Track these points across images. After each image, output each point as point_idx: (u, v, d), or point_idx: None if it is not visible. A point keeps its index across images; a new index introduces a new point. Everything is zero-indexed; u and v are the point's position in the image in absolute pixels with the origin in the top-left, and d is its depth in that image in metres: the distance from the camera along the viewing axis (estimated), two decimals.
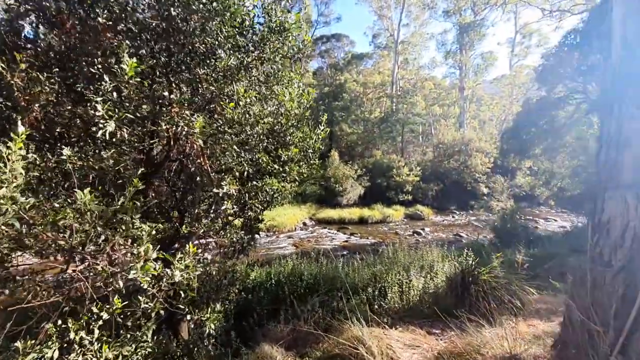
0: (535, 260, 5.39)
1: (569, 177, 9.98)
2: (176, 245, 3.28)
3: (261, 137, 2.80)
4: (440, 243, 13.11)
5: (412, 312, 3.52)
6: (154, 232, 2.03)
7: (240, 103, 2.43)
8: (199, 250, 3.75)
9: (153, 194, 3.18)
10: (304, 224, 17.33)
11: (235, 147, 2.72)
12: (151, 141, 2.59)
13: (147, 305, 1.90)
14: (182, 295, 1.93)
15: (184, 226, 3.15)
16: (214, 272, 3.20)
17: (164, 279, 1.96)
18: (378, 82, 42.28)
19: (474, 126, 38.41)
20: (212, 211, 3.38)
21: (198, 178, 3.11)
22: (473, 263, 3.58)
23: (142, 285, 1.83)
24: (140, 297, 1.94)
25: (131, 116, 2.16)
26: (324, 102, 30.89)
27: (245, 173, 2.90)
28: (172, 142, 2.63)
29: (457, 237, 14.73)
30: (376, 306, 3.60)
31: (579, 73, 12.12)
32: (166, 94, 2.20)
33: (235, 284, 3.71)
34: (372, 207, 19.90)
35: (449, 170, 25.25)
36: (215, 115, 2.51)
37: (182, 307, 1.99)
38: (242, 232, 3.57)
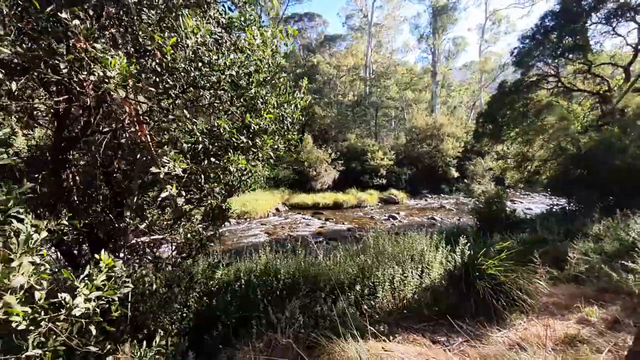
0: (527, 245, 5.12)
1: (547, 160, 9.98)
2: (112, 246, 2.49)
3: (220, 95, 2.05)
4: (417, 227, 13.03)
5: (409, 314, 3.02)
6: (44, 233, 1.27)
7: (189, 42, 1.67)
8: (153, 250, 2.98)
9: (74, 177, 2.34)
10: (277, 209, 16.62)
11: (184, 111, 1.95)
12: (56, 99, 1.76)
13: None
14: (94, 331, 1.22)
15: (120, 222, 2.36)
16: (156, 283, 2.45)
17: (64, 310, 1.22)
18: (351, 64, 41.51)
19: (444, 112, 38.94)
20: (159, 199, 2.61)
21: (139, 155, 2.32)
22: (478, 254, 3.12)
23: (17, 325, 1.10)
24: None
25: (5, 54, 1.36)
26: (296, 84, 29.73)
27: (201, 147, 2.16)
28: (91, 102, 1.81)
29: (431, 220, 14.72)
30: (366, 306, 3.06)
31: (554, 56, 12.11)
32: (66, 16, 1.39)
33: (195, 288, 2.99)
34: (347, 192, 19.54)
35: (422, 155, 25.39)
36: (152, 62, 1.73)
37: (95, 348, 1.29)
38: (201, 225, 2.83)
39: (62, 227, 1.76)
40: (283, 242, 11.30)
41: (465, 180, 12.31)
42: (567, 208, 7.53)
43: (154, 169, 1.70)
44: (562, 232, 5.63)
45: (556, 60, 12.36)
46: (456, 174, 24.97)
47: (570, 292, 3.37)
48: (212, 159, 2.18)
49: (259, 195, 17.40)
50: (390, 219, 14.87)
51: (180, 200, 2.07)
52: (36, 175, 2.08)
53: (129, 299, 1.99)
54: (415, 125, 27.82)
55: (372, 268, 3.65)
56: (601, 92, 11.77)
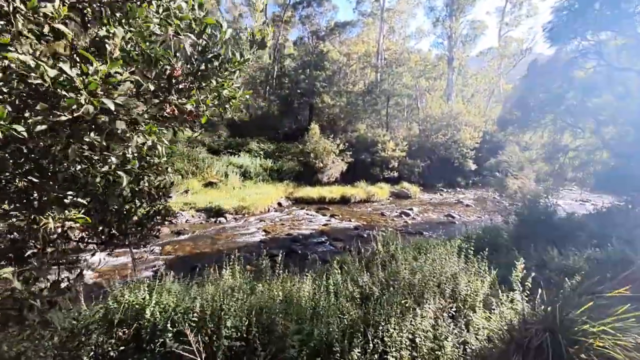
0: (598, 266, 3.73)
1: (592, 151, 8.39)
2: None
3: None
4: (434, 227, 11.57)
5: None
6: None
7: None
8: None
9: None
10: (279, 204, 15.40)
11: None
12: None
13: None
14: None
15: None
16: None
17: None
18: (362, 52, 39.74)
19: (460, 101, 36.82)
20: None
21: None
22: (571, 307, 1.78)
23: None
24: None
25: None
26: (304, 72, 28.21)
27: None
28: None
29: (449, 218, 13.26)
30: None
31: (596, 29, 10.33)
32: None
33: None
34: (356, 185, 18.18)
35: (436, 146, 23.69)
36: None
37: None
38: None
39: None
40: (281, 241, 10.09)
41: (497, 174, 10.74)
42: (630, 209, 6.00)
43: None
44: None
45: (598, 35, 10.58)
46: (474, 167, 23.23)
47: None
48: None
49: (260, 188, 16.26)
50: (403, 215, 13.46)
51: None
52: None
53: None
54: (429, 114, 26.07)
55: (378, 313, 2.32)
56: None
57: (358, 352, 1.96)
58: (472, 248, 3.46)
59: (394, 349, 2.02)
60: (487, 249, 4.43)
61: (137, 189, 2.08)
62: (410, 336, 2.12)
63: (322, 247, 9.41)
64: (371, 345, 2.05)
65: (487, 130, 26.23)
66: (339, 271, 3.87)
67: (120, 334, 2.39)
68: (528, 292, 2.41)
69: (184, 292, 3.02)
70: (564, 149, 11.76)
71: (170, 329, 2.14)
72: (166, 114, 1.93)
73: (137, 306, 2.75)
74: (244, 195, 14.40)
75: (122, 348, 2.17)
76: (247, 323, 2.08)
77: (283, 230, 11.10)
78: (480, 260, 3.31)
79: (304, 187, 17.76)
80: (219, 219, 12.13)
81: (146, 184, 2.10)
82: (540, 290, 2.25)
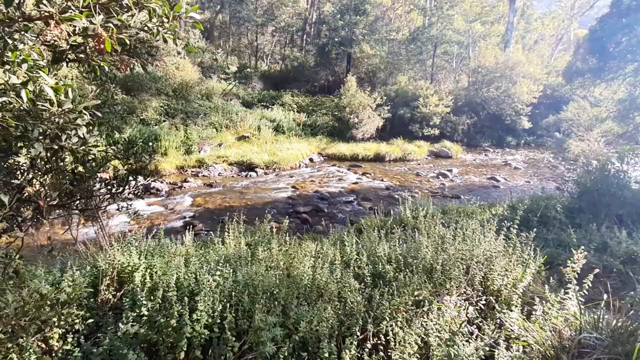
0: None
1: None
2: None
3: None
4: (473, 191, 10.59)
5: None
6: None
7: None
8: None
9: None
10: (311, 160, 15.09)
11: None
12: None
13: None
14: None
15: None
16: None
17: None
18: None
19: (519, 48, 32.35)
20: None
21: None
22: None
23: None
24: None
25: None
26: (342, 17, 25.92)
27: None
28: None
29: (492, 181, 12.15)
30: None
31: None
32: None
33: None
34: (391, 143, 17.20)
35: (487, 100, 21.29)
36: None
37: None
38: None
39: None
40: (309, 199, 9.91)
41: (558, 134, 9.35)
42: None
43: None
44: None
45: None
46: (528, 125, 20.81)
47: None
48: None
49: (293, 143, 15.95)
50: (440, 176, 12.57)
51: None
52: None
53: None
54: (482, 64, 23.15)
55: (389, 297, 1.91)
56: None
57: (351, 354, 1.60)
58: (517, 224, 2.84)
59: (398, 352, 1.64)
60: (535, 224, 3.76)
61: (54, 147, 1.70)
62: (421, 336, 1.73)
63: (349, 206, 9.09)
64: (369, 344, 1.69)
65: (549, 83, 22.98)
66: (356, 239, 3.49)
67: (103, 298, 2.26)
68: (586, 293, 1.85)
69: (176, 257, 2.83)
70: None
71: (145, 303, 1.92)
72: (51, 38, 1.46)
73: (128, 269, 2.60)
74: (275, 149, 14.22)
75: (89, 323, 2.01)
76: (221, 307, 1.79)
77: (312, 187, 10.87)
78: (525, 240, 2.72)
79: (338, 143, 17.17)
80: (250, 173, 12.16)
81: (71, 143, 1.73)
82: (605, 296, 1.69)
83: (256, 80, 23.45)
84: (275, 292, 2.10)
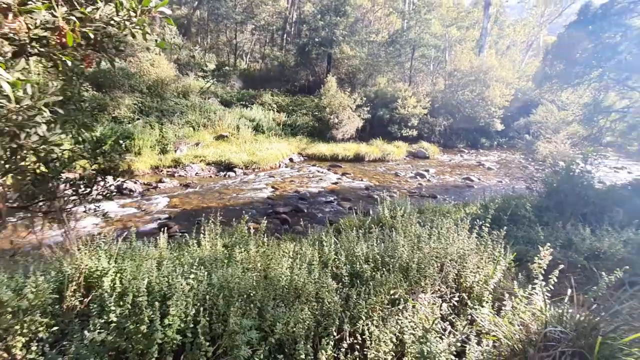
0: (637, 251, 3.18)
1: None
2: None
3: None
4: (448, 191, 10.92)
5: None
6: None
7: None
8: None
9: None
10: (291, 160, 15.03)
11: None
12: None
13: None
14: None
15: None
16: None
17: None
18: None
19: (492, 53, 33.59)
20: None
21: None
22: (612, 320, 1.32)
23: None
24: None
25: None
26: (323, 18, 25.96)
27: None
28: None
29: (467, 181, 12.55)
30: None
31: None
32: None
33: None
34: (371, 143, 17.42)
35: (462, 103, 21.98)
36: None
37: None
38: None
39: None
40: (288, 198, 9.85)
41: (527, 136, 9.77)
42: None
43: None
44: None
45: None
46: (500, 127, 21.67)
47: None
48: None
49: (272, 143, 15.82)
50: (418, 177, 12.84)
51: None
52: None
53: None
54: (457, 67, 23.89)
55: (365, 296, 1.92)
56: None
57: (328, 354, 1.60)
58: (489, 222, 2.94)
59: (374, 350, 1.65)
60: (505, 222, 3.90)
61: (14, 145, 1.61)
62: (397, 335, 1.75)
63: (329, 206, 9.11)
64: (345, 344, 1.70)
65: (520, 87, 24.02)
66: (335, 239, 3.50)
67: (69, 305, 2.15)
68: (551, 288, 1.94)
69: (147, 260, 2.73)
70: (607, 110, 10.49)
71: (114, 309, 1.84)
72: (9, 30, 1.38)
73: (96, 274, 2.49)
74: (255, 149, 14.06)
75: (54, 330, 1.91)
76: (194, 311, 1.74)
77: (292, 187, 10.82)
78: (496, 238, 2.82)
79: (318, 144, 17.18)
80: (228, 173, 11.95)
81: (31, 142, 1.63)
82: (569, 291, 1.78)
83: (235, 79, 23.08)
84: (251, 294, 2.06)
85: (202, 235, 3.32)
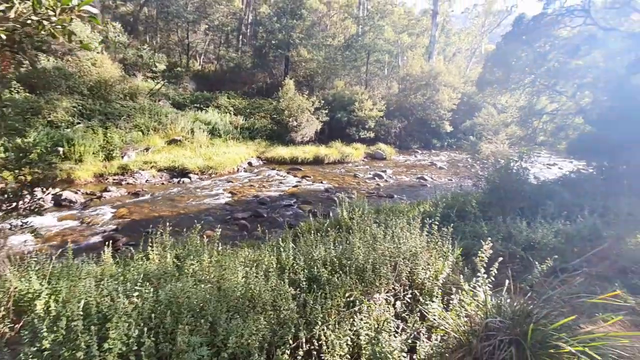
0: (566, 240, 3.54)
1: (567, 115, 8.18)
2: None
3: None
4: (404, 190, 11.41)
5: None
6: None
7: None
8: None
9: None
10: (250, 164, 14.72)
11: None
12: None
13: None
14: None
15: None
16: None
17: None
18: (344, 2, 37.19)
19: (440, 59, 35.79)
20: None
21: None
22: (543, 306, 1.44)
23: None
24: None
25: None
26: (279, 20, 25.84)
27: None
28: None
29: (421, 180, 13.17)
30: None
31: None
32: None
33: None
34: (330, 145, 17.64)
35: (415, 106, 23.13)
36: None
37: None
38: None
39: None
40: (247, 204, 9.63)
41: (471, 137, 10.47)
42: (601, 177, 5.90)
43: None
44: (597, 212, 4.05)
45: None
46: (449, 129, 23.14)
47: None
48: None
49: (230, 147, 15.38)
50: (376, 177, 13.24)
51: None
52: None
53: None
54: (409, 72, 25.09)
55: (322, 300, 1.92)
56: (637, 31, 9.61)
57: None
58: (438, 220, 3.09)
59: (329, 355, 1.65)
60: (454, 219, 4.13)
61: None
62: (352, 337, 1.77)
63: (289, 210, 9.05)
64: (301, 351, 1.68)
65: (466, 92, 25.83)
66: (294, 244, 3.46)
67: None
68: (493, 279, 2.09)
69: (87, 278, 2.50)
70: (539, 113, 11.60)
71: (47, 335, 1.64)
72: None
73: (28, 297, 2.22)
74: (211, 154, 13.56)
75: None
76: (138, 332, 1.61)
77: (251, 191, 10.59)
78: (445, 234, 2.97)
79: (277, 147, 17.03)
80: (182, 179, 11.39)
81: None
82: (507, 282, 1.92)
83: (188, 80, 22.14)
84: (204, 308, 1.96)
85: (150, 248, 3.11)
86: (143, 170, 11.47)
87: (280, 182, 12.05)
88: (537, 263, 2.12)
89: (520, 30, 11.00)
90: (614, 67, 7.15)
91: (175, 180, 11.35)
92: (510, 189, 4.92)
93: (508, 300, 1.81)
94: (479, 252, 2.24)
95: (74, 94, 13.65)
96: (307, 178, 12.79)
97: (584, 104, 8.03)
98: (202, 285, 2.33)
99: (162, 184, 11.10)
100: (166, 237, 3.33)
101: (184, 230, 4.19)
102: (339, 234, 3.68)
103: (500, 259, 2.22)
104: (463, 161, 14.72)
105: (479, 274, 2.02)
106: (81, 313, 1.82)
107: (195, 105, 18.69)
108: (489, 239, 2.43)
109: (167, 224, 3.72)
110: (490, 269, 2.11)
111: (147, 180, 11.10)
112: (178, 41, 26.80)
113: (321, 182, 12.24)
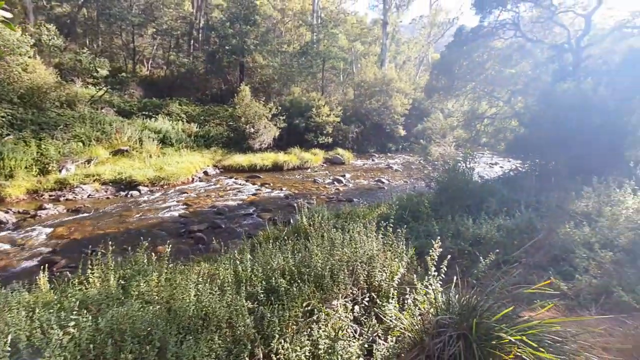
0: (507, 234, 3.84)
1: (504, 119, 8.95)
2: None
3: None
4: (363, 194, 11.71)
5: None
6: None
7: None
8: None
9: None
10: (206, 173, 14.17)
11: None
12: None
13: None
14: None
15: None
16: None
17: None
18: (298, 9, 37.65)
19: (392, 67, 37.52)
20: None
21: None
22: (487, 299, 1.54)
23: None
24: None
25: None
26: (232, 25, 25.37)
27: None
28: None
29: (378, 183, 13.59)
30: None
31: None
32: None
33: None
34: (289, 152, 17.57)
35: (370, 111, 23.94)
36: None
37: None
38: None
39: None
40: (204, 214, 9.23)
41: (422, 141, 11.02)
42: (534, 174, 6.53)
43: None
44: (531, 206, 4.48)
45: (517, 6, 11.04)
46: (403, 132, 24.26)
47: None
48: None
49: (183, 156, 14.71)
50: (335, 182, 13.41)
51: None
52: None
53: None
54: (364, 79, 25.96)
55: (280, 311, 1.87)
56: (559, 43, 10.87)
57: None
58: (393, 222, 3.19)
59: None
60: (408, 220, 4.29)
61: None
62: (311, 348, 1.75)
63: (249, 219, 8.83)
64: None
65: (416, 97, 27.28)
66: (253, 253, 3.37)
67: None
68: (444, 276, 2.19)
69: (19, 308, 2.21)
70: (481, 117, 12.57)
71: None
72: None
73: None
74: (162, 164, 12.84)
75: None
76: None
77: (207, 202, 10.18)
78: (399, 235, 3.07)
79: (234, 155, 16.60)
80: (130, 192, 10.63)
81: None
82: (455, 278, 2.03)
83: (135, 87, 20.86)
84: (152, 332, 1.82)
85: (89, 270, 2.84)
86: (85, 184, 10.53)
87: (239, 191, 11.73)
88: (481, 257, 2.26)
89: (461, 40, 11.89)
90: (541, 75, 8.00)
91: (123, 193, 10.56)
92: (457, 189, 5.27)
93: (457, 296, 1.90)
94: (430, 250, 2.34)
95: (2, 102, 12.20)
96: (267, 185, 12.60)
97: (518, 108, 8.88)
98: (150, 307, 2.17)
99: (108, 198, 10.27)
100: (109, 256, 3.06)
101: (133, 247, 3.90)
102: (298, 241, 3.64)
103: (449, 256, 2.34)
104: (416, 163, 15.45)
105: (429, 272, 2.10)
106: (9, 349, 1.61)
107: (143, 113, 17.62)
108: (439, 237, 2.55)
109: (111, 242, 3.43)
110: (441, 266, 2.21)
111: (89, 195, 10.21)
112: (122, 45, 25.19)
113: (281, 189, 12.12)
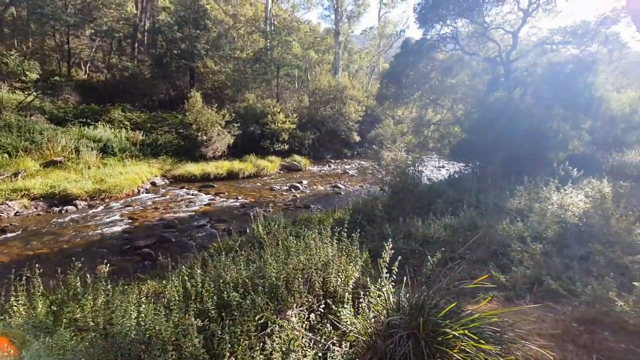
0: (452, 232, 4.08)
1: (448, 125, 9.62)
2: None
3: None
4: (320, 200, 11.81)
5: None
6: None
7: None
8: None
9: None
10: (153, 184, 13.30)
11: None
12: None
13: None
14: None
15: None
16: None
17: None
18: (250, 15, 37.34)
19: (345, 75, 38.68)
20: None
21: None
22: (434, 297, 1.59)
23: None
24: None
25: None
26: (181, 29, 24.32)
27: None
28: None
29: (335, 189, 13.79)
30: None
31: (454, 15, 11.63)
32: None
33: None
34: (245, 159, 17.17)
35: (325, 118, 24.35)
36: None
37: None
38: None
39: None
40: (151, 228, 8.62)
41: (374, 146, 11.38)
42: (475, 175, 7.07)
43: None
44: (472, 205, 4.86)
45: (455, 22, 12.00)
46: (358, 138, 25.01)
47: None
48: None
49: (128, 166, 13.68)
50: (292, 189, 13.35)
51: None
52: None
53: None
54: (318, 86, 26.38)
55: (232, 326, 1.78)
56: (492, 56, 11.99)
57: None
58: (347, 228, 3.23)
59: None
60: (363, 223, 4.38)
61: None
62: None
63: (202, 231, 8.43)
64: None
65: (369, 105, 28.35)
66: (204, 267, 3.20)
67: None
68: (395, 277, 2.25)
69: None
70: (428, 123, 13.37)
71: None
72: None
73: None
74: (103, 175, 11.81)
75: None
76: None
77: (155, 215, 9.54)
78: (354, 239, 3.12)
79: (186, 164, 15.82)
80: (65, 207, 9.61)
81: None
82: (405, 278, 2.10)
83: (70, 92, 19.07)
84: None
85: (12, 299, 2.48)
86: (10, 200, 9.32)
87: (191, 202, 11.17)
88: (430, 256, 2.37)
89: (407, 52, 12.59)
90: (477, 85, 8.74)
91: (56, 209, 9.51)
92: (408, 191, 5.53)
93: (407, 296, 1.97)
94: (383, 252, 2.40)
95: None
96: (221, 194, 12.16)
97: (459, 115, 9.60)
98: (86, 335, 1.95)
99: (39, 215, 9.18)
100: (36, 281, 2.70)
101: (67, 269, 3.49)
102: (253, 250, 3.54)
103: (400, 257, 2.41)
104: (371, 168, 15.98)
105: (381, 274, 2.15)
106: None
107: (80, 120, 16.11)
108: (392, 239, 2.63)
109: (42, 264, 3.04)
110: (393, 267, 2.27)
111: (17, 212, 9.05)
112: (56, 46, 22.92)
113: (236, 198, 11.77)
